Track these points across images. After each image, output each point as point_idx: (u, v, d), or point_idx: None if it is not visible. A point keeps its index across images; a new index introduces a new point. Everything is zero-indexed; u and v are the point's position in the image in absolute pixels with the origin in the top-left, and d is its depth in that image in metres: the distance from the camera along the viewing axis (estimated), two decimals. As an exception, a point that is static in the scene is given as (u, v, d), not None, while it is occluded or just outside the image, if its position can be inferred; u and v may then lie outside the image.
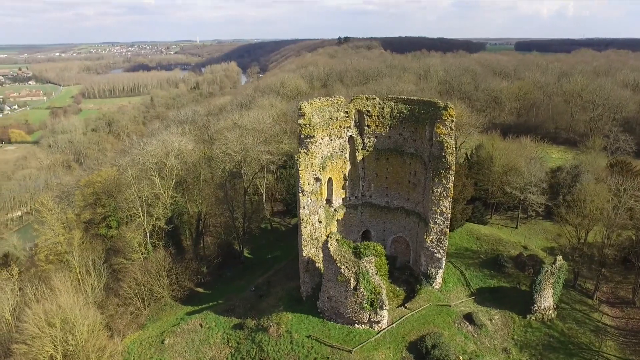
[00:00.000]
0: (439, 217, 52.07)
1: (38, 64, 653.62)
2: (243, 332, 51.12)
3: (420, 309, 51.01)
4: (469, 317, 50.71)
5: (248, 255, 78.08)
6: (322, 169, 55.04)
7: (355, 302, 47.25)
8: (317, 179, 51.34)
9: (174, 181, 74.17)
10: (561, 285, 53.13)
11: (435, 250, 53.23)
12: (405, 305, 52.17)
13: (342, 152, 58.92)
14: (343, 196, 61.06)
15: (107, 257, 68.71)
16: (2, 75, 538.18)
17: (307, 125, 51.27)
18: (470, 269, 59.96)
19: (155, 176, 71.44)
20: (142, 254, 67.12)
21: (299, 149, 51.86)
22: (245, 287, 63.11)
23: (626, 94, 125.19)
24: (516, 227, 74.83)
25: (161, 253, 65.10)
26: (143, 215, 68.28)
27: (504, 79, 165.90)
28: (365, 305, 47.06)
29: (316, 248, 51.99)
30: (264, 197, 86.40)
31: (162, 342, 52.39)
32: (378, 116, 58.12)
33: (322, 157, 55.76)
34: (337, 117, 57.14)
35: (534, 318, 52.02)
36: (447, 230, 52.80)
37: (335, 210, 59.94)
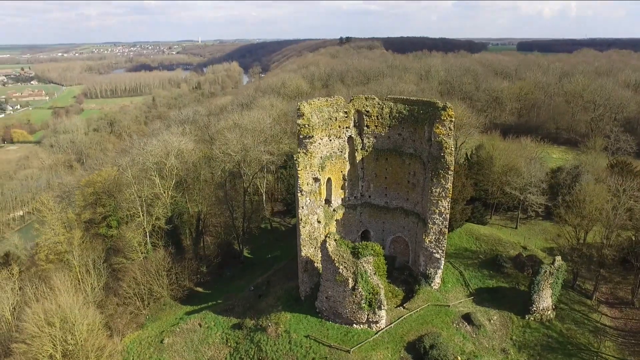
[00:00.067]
0: (437, 217, 52.08)
1: (40, 64, 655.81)
2: (242, 331, 51.22)
3: (418, 309, 51.03)
4: (467, 318, 50.73)
5: (248, 255, 78.22)
6: (321, 169, 55.10)
7: (354, 302, 47.31)
8: (316, 179, 51.40)
9: (174, 181, 74.38)
10: (560, 285, 53.08)
11: (434, 251, 53.25)
12: (404, 305, 52.21)
13: (341, 152, 58.96)
14: (342, 196, 61.10)
15: (107, 257, 68.94)
16: (5, 75, 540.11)
17: (306, 126, 51.34)
18: (469, 269, 59.94)
19: (156, 176, 71.67)
20: (141, 253, 67.32)
21: (298, 149, 51.96)
22: (244, 287, 63.26)
23: (627, 94, 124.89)
24: (516, 228, 74.76)
25: (161, 253, 65.31)
26: (143, 215, 68.50)
27: (505, 79, 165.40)
28: (364, 305, 47.10)
29: (315, 248, 52.05)
30: (264, 197, 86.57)
31: (161, 342, 52.55)
32: (377, 116, 58.14)
33: (321, 157, 55.82)
34: (336, 118, 57.16)
35: (532, 318, 52.00)
36: (446, 230, 52.82)
37: (334, 210, 60.00)
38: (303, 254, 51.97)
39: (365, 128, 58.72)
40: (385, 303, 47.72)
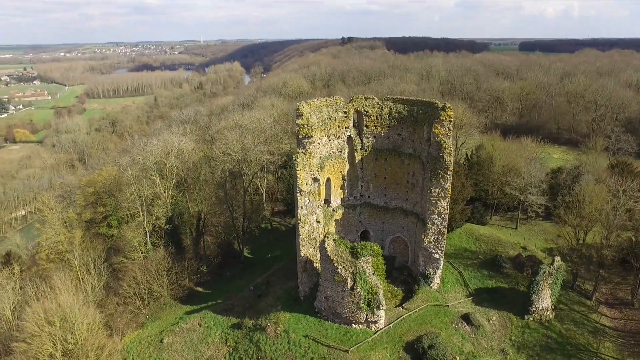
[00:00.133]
0: (436, 217, 52.09)
1: (43, 64, 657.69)
2: (241, 331, 51.35)
3: (417, 309, 51.05)
4: (466, 318, 50.75)
5: (248, 255, 78.34)
6: (321, 169, 55.17)
7: (352, 302, 47.38)
8: (315, 179, 51.48)
9: (174, 181, 74.54)
10: (559, 286, 53.03)
11: (433, 251, 53.27)
12: (403, 305, 52.24)
13: (341, 152, 58.99)
14: (341, 196, 61.15)
15: (107, 256, 69.18)
16: (8, 75, 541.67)
17: (305, 126, 51.41)
18: (469, 270, 59.93)
19: (156, 176, 71.83)
20: (142, 253, 67.48)
21: (297, 149, 52.04)
22: (244, 287, 63.37)
23: (629, 94, 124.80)
24: (516, 228, 74.72)
25: (161, 252, 65.46)
26: (143, 215, 68.67)
27: (507, 79, 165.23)
28: (362, 305, 47.16)
29: (314, 248, 52.14)
30: (264, 197, 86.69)
31: (161, 341, 52.75)
32: (377, 116, 58.16)
33: (320, 158, 55.88)
34: (335, 118, 57.19)
35: (531, 319, 51.97)
36: (445, 230, 52.81)
37: (333, 210, 60.06)
38: (302, 254, 52.06)
39: (364, 128, 58.73)
40: (383, 303, 47.79)
